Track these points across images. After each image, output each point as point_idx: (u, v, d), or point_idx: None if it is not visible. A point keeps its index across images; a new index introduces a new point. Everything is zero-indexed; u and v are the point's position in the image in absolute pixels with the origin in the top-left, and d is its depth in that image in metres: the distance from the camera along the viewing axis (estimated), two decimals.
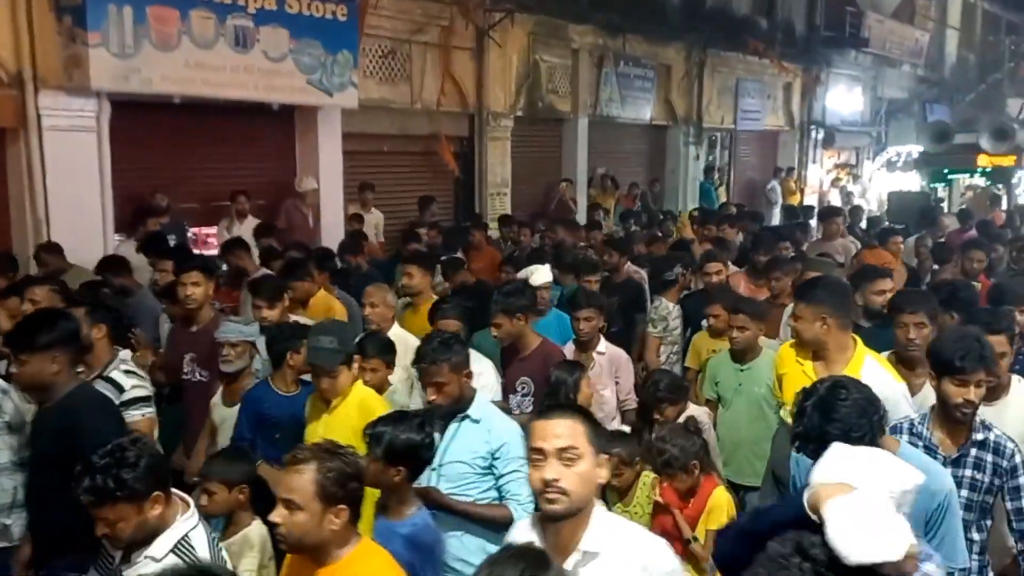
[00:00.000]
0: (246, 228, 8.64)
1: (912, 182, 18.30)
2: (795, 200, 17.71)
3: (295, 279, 5.94)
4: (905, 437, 3.49)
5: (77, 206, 7.69)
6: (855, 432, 2.80)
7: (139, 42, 7.67)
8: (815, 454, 2.56)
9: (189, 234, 9.05)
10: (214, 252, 9.11)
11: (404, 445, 3.22)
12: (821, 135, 20.34)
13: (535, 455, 2.45)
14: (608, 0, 13.18)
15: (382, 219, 10.49)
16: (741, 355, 5.22)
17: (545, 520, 2.48)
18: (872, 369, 3.86)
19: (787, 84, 19.17)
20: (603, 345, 5.48)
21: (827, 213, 10.95)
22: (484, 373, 4.69)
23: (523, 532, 2.57)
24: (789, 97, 19.46)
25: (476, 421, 3.68)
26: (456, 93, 11.57)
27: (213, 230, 9.30)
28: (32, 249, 7.25)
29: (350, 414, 3.95)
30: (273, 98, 9.09)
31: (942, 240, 10.13)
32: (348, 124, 10.06)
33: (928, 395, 4.77)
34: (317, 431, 3.85)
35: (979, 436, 3.46)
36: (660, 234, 10.33)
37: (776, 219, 16.42)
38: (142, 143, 8.50)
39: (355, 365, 4.12)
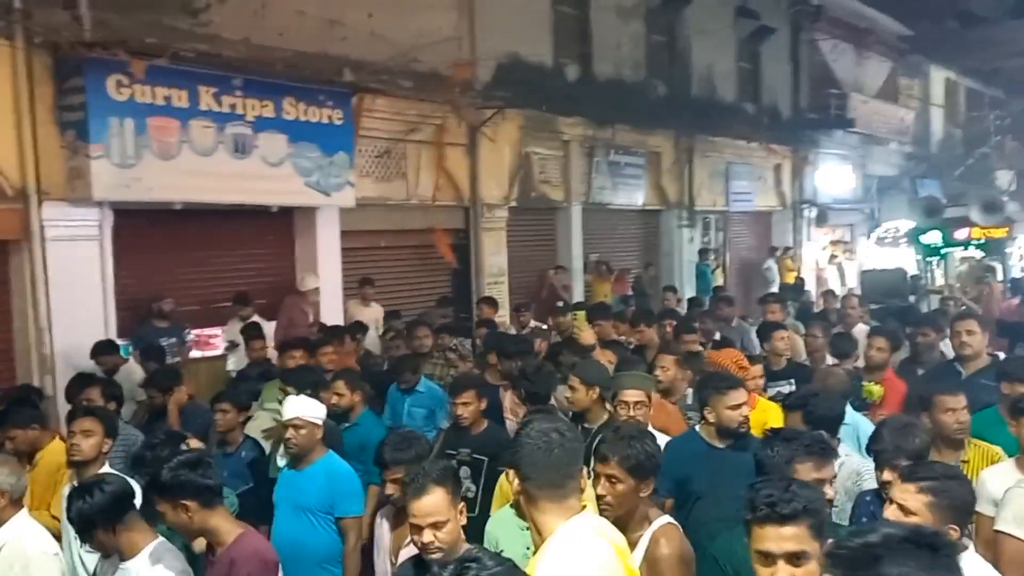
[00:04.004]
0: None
1: (907, 257, 18.45)
2: (791, 278, 17.84)
3: (15, 426, 4.74)
4: None
5: (79, 314, 7.76)
6: None
7: (140, 152, 7.88)
8: None
9: (191, 336, 9.13)
10: (216, 352, 9.27)
11: None
12: (814, 213, 20.60)
13: None
14: (595, 93, 13.59)
15: (382, 313, 10.59)
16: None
17: None
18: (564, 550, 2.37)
19: (777, 165, 19.52)
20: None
21: (762, 299, 9.76)
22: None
23: None
24: (779, 177, 19.78)
25: None
26: (451, 187, 11.82)
27: (216, 331, 9.41)
28: (35, 359, 7.34)
29: None
30: (272, 201, 9.32)
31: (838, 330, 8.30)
32: (346, 222, 10.27)
33: None
34: None
35: None
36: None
37: None
38: (144, 249, 8.66)
39: None
